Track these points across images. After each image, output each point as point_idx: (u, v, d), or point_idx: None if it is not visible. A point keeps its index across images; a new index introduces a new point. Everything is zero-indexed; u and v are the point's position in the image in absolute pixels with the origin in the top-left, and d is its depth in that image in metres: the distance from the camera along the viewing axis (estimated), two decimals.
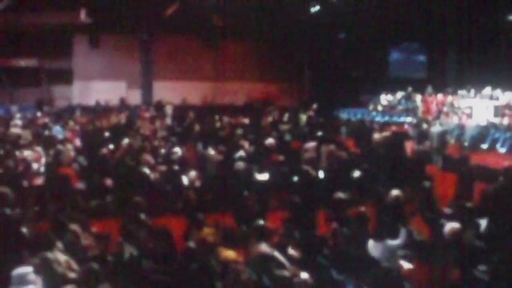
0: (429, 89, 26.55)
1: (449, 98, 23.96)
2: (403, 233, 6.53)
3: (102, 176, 9.69)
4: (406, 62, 30.85)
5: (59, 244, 6.07)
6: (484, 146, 15.76)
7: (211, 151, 12.27)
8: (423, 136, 16.40)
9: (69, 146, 11.82)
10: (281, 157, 11.77)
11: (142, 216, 7.40)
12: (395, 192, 7.76)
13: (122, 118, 18.03)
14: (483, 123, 17.39)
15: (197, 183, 10.09)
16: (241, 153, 11.55)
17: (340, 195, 7.57)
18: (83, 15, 25.11)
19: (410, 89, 26.41)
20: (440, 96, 24.81)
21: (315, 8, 25.12)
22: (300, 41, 28.14)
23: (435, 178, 12.14)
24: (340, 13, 25.86)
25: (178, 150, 11.13)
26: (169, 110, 20.15)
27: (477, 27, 29.66)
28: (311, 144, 12.05)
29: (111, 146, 11.09)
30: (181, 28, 26.83)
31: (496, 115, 19.25)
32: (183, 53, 27.65)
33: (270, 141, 12.46)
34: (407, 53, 31.05)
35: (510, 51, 31.67)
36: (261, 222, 6.49)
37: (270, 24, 27.10)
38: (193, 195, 7.55)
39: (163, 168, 10.51)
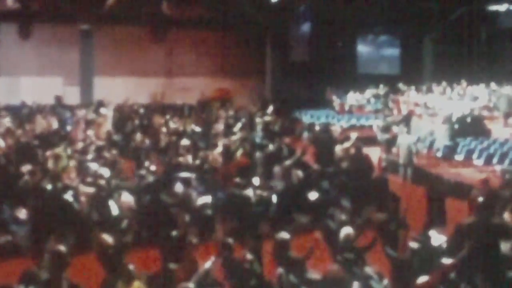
0: (401, 86, 26.57)
1: (423, 97, 23.96)
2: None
3: (15, 205, 9.12)
4: (375, 56, 30.81)
5: None
6: (459, 157, 15.64)
7: (152, 167, 11.81)
8: (392, 142, 16.25)
9: None
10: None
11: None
12: (345, 230, 7.44)
13: (53, 123, 17.24)
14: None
15: (129, 211, 9.64)
16: (182, 172, 11.12)
17: (283, 235, 7.19)
18: (10, 1, 24.27)
19: (381, 86, 26.35)
20: (413, 95, 24.80)
21: None
22: (260, 32, 27.78)
23: (403, 194, 11.98)
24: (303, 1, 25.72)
25: (105, 172, 10.56)
26: (109, 112, 19.39)
27: (455, 17, 29.86)
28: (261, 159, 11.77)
29: (28, 167, 10.42)
30: (126, 17, 26.27)
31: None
32: (128, 46, 27.05)
33: (216, 156, 12.04)
34: (376, 46, 30.99)
35: (492, 43, 32.06)
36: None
37: (227, 13, 26.71)
38: (107, 239, 7.01)
39: (90, 192, 9.94)
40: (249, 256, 7.26)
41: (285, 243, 7.10)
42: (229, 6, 26.52)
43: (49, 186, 9.85)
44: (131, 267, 6.53)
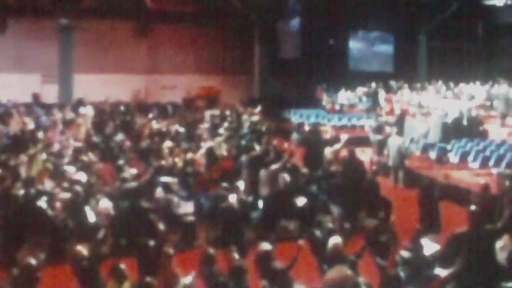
0: (393, 84, 26.54)
1: (417, 96, 23.91)
2: None
3: None
4: (368, 53, 30.73)
5: None
6: (454, 159, 15.56)
7: (133, 171, 11.67)
8: (384, 143, 16.17)
9: None
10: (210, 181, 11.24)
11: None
12: (333, 240, 7.33)
13: (29, 123, 17.02)
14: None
15: (107, 219, 9.49)
16: (164, 176, 10.99)
17: (265, 246, 7.08)
18: None
19: (373, 84, 26.28)
20: (406, 94, 24.77)
21: None
22: (248, 27, 27.68)
23: (394, 198, 11.87)
24: None
25: (82, 176, 10.39)
26: (89, 111, 19.23)
27: (451, 12, 29.84)
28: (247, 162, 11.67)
29: None
30: (107, 12, 26.11)
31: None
32: (110, 41, 26.92)
33: (199, 159, 11.93)
34: (368, 42, 30.90)
35: (489, 39, 32.07)
36: None
37: (213, 7, 26.58)
38: (82, 251, 6.87)
39: (66, 198, 9.77)
40: (238, 261, 7.16)
41: (267, 254, 6.99)
42: (214, 1, 26.42)
43: (21, 192, 9.68)
44: (122, 266, 6.47)
